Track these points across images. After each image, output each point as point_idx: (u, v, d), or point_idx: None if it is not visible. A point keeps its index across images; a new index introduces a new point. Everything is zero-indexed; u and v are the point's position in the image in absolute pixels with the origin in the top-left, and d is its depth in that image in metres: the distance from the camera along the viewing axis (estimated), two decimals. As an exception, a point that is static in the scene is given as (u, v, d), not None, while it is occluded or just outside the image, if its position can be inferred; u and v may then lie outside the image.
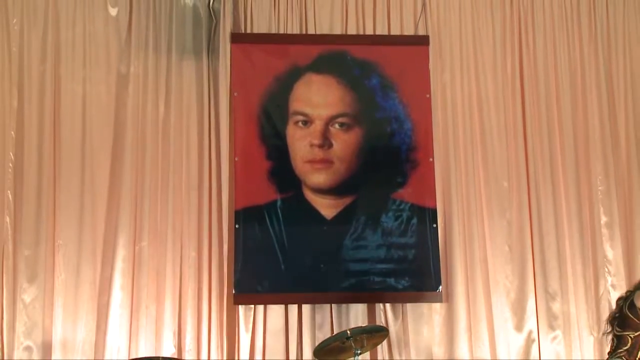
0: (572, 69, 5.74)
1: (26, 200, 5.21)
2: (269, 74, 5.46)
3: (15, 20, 5.35)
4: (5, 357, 5.02)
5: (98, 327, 5.13)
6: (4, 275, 5.10)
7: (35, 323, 5.10)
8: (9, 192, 5.20)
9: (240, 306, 5.24)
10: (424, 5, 5.66)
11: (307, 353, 5.13)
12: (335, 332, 5.01)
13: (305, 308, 5.29)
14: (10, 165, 5.24)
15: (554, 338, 5.41)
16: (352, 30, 5.63)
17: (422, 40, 5.62)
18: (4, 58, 5.32)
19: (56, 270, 5.17)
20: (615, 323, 3.86)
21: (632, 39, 5.82)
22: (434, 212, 5.40)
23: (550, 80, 5.70)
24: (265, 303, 5.26)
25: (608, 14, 5.81)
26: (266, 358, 5.21)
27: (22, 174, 5.24)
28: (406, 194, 5.42)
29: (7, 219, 5.17)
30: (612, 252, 5.54)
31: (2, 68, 5.31)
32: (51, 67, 5.36)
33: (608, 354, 3.92)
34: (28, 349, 5.09)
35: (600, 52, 5.77)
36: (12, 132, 5.27)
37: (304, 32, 5.60)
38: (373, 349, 4.84)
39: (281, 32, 5.56)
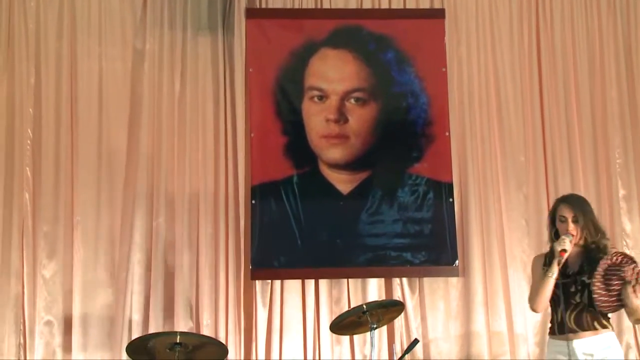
0: (590, 40, 5.69)
1: (45, 177, 5.25)
2: (284, 49, 5.44)
3: (32, -3, 5.39)
4: (27, 331, 5.07)
5: (116, 302, 5.17)
6: (24, 251, 5.16)
7: (55, 298, 5.16)
8: (27, 168, 5.24)
9: (257, 281, 5.25)
10: (440, -23, 5.63)
11: (324, 327, 5.13)
12: (351, 307, 5.01)
13: (322, 283, 5.30)
14: (29, 142, 5.27)
15: (571, 312, 5.37)
16: (367, 4, 5.61)
17: (438, 14, 5.58)
18: (20, 35, 5.34)
19: (75, 246, 5.21)
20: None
21: (653, 10, 5.77)
22: (450, 187, 5.37)
23: (568, 53, 5.65)
24: (282, 278, 5.27)
25: (627, -16, 5.76)
26: (283, 332, 5.22)
27: (40, 150, 5.28)
28: (422, 168, 5.40)
29: (26, 195, 5.21)
30: (630, 225, 5.51)
31: (20, 45, 5.35)
32: (67, 44, 5.39)
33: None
34: (49, 323, 5.14)
35: (619, 23, 5.71)
36: (30, 109, 5.31)
37: (319, 6, 5.59)
38: (389, 323, 4.81)
39: (296, 6, 5.56)
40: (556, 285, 3.87)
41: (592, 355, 3.82)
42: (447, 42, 5.53)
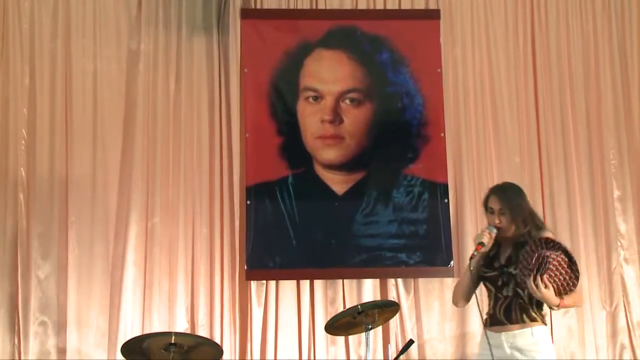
0: (584, 42, 5.69)
1: (39, 178, 5.24)
2: (279, 49, 5.44)
3: (26, -3, 5.39)
4: (22, 332, 5.07)
5: (112, 302, 5.17)
6: (19, 251, 5.14)
7: (49, 299, 5.15)
8: (22, 169, 5.24)
9: (252, 282, 5.25)
10: (434, -22, 5.65)
11: (319, 328, 5.13)
12: (346, 307, 5.02)
13: (317, 283, 5.30)
14: (23, 142, 5.27)
15: (566, 312, 5.33)
16: (362, 5, 5.61)
17: (433, 15, 5.58)
18: (15, 35, 5.33)
19: (70, 246, 5.19)
20: None
21: (647, 10, 5.78)
22: (445, 187, 5.38)
23: (563, 54, 5.65)
24: (277, 278, 5.28)
25: (621, -15, 5.79)
26: (278, 333, 5.23)
27: (35, 151, 5.27)
28: (417, 169, 5.40)
29: (21, 196, 5.20)
30: (624, 225, 5.53)
31: (14, 45, 5.33)
32: (62, 44, 5.38)
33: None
34: (43, 324, 5.14)
35: (613, 25, 5.71)
36: (25, 110, 5.30)
37: (314, 7, 5.59)
38: (384, 323, 4.81)
39: (291, 7, 5.55)
40: (486, 279, 3.85)
41: (519, 349, 3.74)
42: (442, 43, 5.54)
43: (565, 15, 5.68)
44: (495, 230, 3.80)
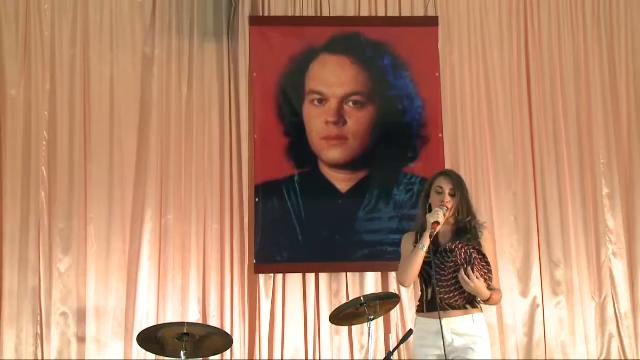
0: (575, 48, 5.73)
1: (60, 176, 5.28)
2: (286, 55, 5.45)
3: (46, 6, 5.40)
4: (44, 322, 5.13)
5: (128, 294, 5.22)
6: (41, 246, 5.19)
7: (70, 291, 5.20)
8: (43, 168, 5.27)
9: (260, 275, 5.29)
10: (433, -13, 5.66)
11: (324, 319, 5.18)
12: (350, 299, 5.02)
13: (322, 276, 5.35)
14: (44, 143, 5.30)
15: (558, 303, 5.46)
16: (364, 12, 5.62)
17: (431, 22, 5.59)
18: (36, 42, 5.36)
19: (88, 242, 5.24)
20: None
21: (634, 19, 5.80)
22: (443, 186, 5.42)
23: (555, 60, 5.69)
24: (284, 272, 5.31)
25: (611, -4, 5.81)
26: (285, 323, 5.28)
27: (56, 151, 5.30)
28: (417, 168, 5.43)
29: (43, 194, 5.24)
30: (613, 221, 5.57)
31: (35, 52, 5.36)
32: (81, 51, 5.40)
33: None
34: (64, 314, 5.19)
35: (602, 32, 5.75)
36: (46, 112, 5.33)
37: (318, 14, 5.59)
38: (386, 314, 4.86)
39: (297, 14, 5.56)
40: (426, 263, 3.65)
41: (460, 335, 3.65)
42: (440, 49, 5.56)
43: (557, 23, 5.71)
44: (445, 210, 3.67)
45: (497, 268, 3.84)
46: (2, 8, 5.36)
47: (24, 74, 5.34)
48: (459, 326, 3.68)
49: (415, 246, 3.71)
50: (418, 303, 3.82)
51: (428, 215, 3.69)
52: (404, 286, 3.89)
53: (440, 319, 3.58)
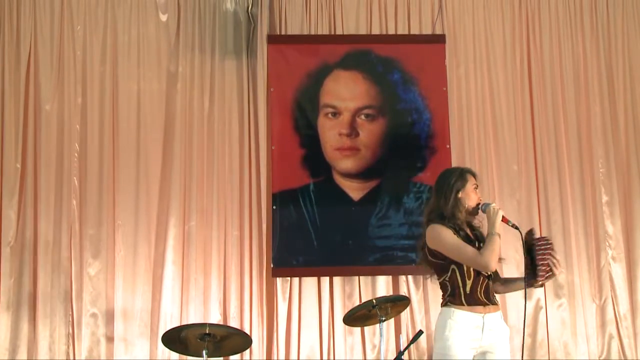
0: (575, 63, 5.74)
1: (90, 186, 5.33)
2: (302, 71, 5.50)
3: (79, 27, 5.48)
4: (75, 323, 5.18)
5: (153, 297, 5.25)
6: (72, 251, 5.24)
7: (99, 293, 5.24)
8: (74, 178, 5.32)
9: (277, 278, 5.32)
10: (440, 7, 5.69)
11: (338, 320, 5.18)
12: (362, 301, 5.06)
13: (336, 280, 5.36)
14: (76, 154, 5.36)
15: (560, 305, 5.46)
16: (375, 30, 5.66)
17: (439, 39, 5.63)
18: (69, 60, 5.44)
19: (116, 247, 5.29)
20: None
21: (630, 34, 5.81)
22: (450, 194, 5.43)
23: (556, 74, 5.70)
24: (300, 276, 5.34)
25: (608, 13, 5.81)
26: (301, 324, 5.29)
27: (86, 162, 5.36)
28: (425, 177, 5.44)
29: (74, 202, 5.29)
30: (612, 227, 5.56)
31: (68, 69, 5.43)
32: (110, 68, 5.47)
33: None
34: (94, 315, 5.23)
35: (601, 48, 5.76)
36: (77, 126, 5.39)
37: (332, 32, 5.63)
38: (396, 316, 4.87)
39: (312, 33, 5.61)
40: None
41: (493, 330, 3.50)
42: (447, 65, 5.58)
43: (558, 38, 5.73)
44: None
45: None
46: (38, 29, 5.44)
47: (58, 91, 5.41)
48: (496, 321, 3.54)
49: (461, 235, 3.53)
50: (449, 297, 3.53)
51: (497, 210, 3.50)
52: (489, 270, 3.46)
53: (483, 314, 3.47)
